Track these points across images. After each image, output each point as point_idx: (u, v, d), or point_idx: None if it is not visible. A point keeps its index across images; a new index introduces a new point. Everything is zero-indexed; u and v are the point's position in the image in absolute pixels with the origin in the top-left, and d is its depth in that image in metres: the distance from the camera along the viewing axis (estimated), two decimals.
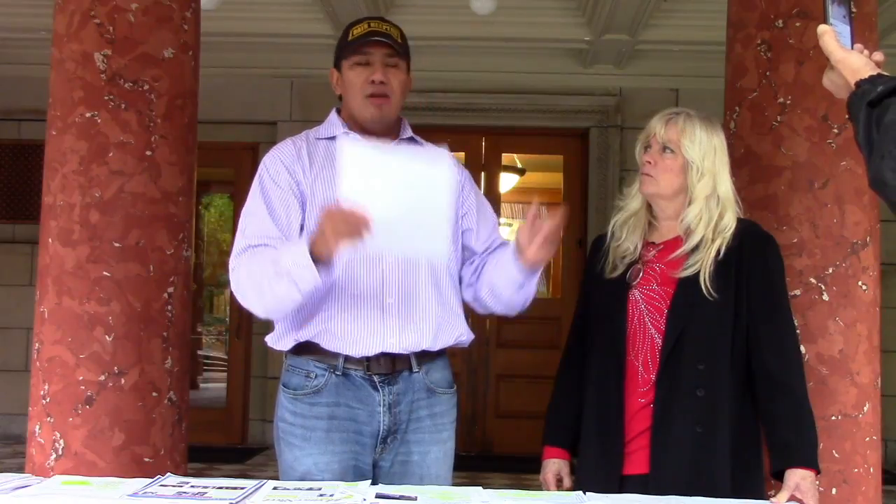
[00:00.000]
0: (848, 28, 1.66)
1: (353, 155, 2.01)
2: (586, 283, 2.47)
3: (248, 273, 2.21)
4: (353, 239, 2.00)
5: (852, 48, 1.63)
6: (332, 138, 2.35)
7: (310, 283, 2.08)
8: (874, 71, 1.58)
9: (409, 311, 2.25)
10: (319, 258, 2.06)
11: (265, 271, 2.15)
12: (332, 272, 2.14)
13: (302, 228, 2.26)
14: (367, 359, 2.25)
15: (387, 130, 2.36)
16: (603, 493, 1.98)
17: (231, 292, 2.31)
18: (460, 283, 2.41)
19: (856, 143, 1.55)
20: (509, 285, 2.28)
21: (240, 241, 2.27)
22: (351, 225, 1.98)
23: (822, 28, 1.64)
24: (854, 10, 3.13)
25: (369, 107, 2.29)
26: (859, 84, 1.56)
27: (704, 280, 2.22)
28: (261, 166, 2.35)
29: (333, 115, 2.41)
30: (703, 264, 2.24)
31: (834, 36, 1.62)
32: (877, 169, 1.47)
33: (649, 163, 2.30)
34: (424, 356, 2.30)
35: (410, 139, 2.41)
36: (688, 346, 2.22)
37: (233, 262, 2.26)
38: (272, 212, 2.26)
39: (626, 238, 2.36)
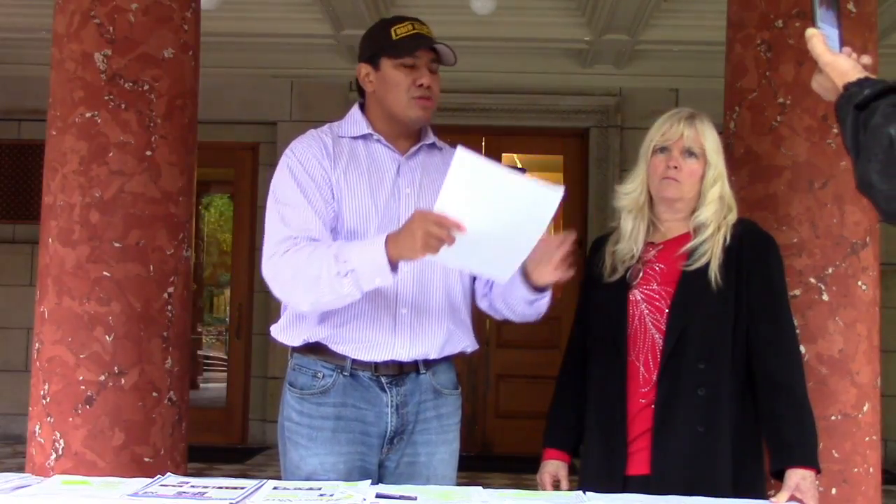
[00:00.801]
0: (836, 31, 1.67)
1: (466, 168, 1.94)
2: (586, 285, 2.46)
3: (296, 268, 2.13)
4: (440, 247, 1.97)
5: (841, 51, 1.64)
6: (357, 138, 2.32)
7: (376, 284, 2.06)
8: (862, 74, 1.58)
9: (420, 323, 2.25)
10: (393, 260, 2.03)
11: (324, 267, 2.07)
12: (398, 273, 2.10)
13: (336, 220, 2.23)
14: (375, 362, 2.25)
15: (416, 134, 2.35)
16: (606, 493, 1.98)
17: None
18: (474, 293, 2.40)
19: (843, 145, 1.56)
20: (520, 301, 2.27)
21: (279, 229, 2.19)
22: (443, 234, 1.95)
23: (810, 32, 1.65)
24: (854, 10, 3.16)
25: (416, 108, 2.27)
26: (847, 87, 1.57)
27: (715, 268, 2.22)
28: (289, 155, 2.28)
29: (357, 113, 2.36)
30: (712, 253, 2.25)
31: (822, 39, 1.63)
32: (863, 171, 1.48)
33: (675, 168, 2.28)
34: (431, 360, 2.30)
35: (432, 145, 2.39)
36: (689, 346, 2.22)
37: (270, 249, 2.18)
38: (312, 203, 2.20)
39: (628, 239, 2.35)
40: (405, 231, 2.01)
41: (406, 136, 2.34)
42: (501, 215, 1.97)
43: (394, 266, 2.03)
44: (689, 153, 2.29)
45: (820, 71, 1.64)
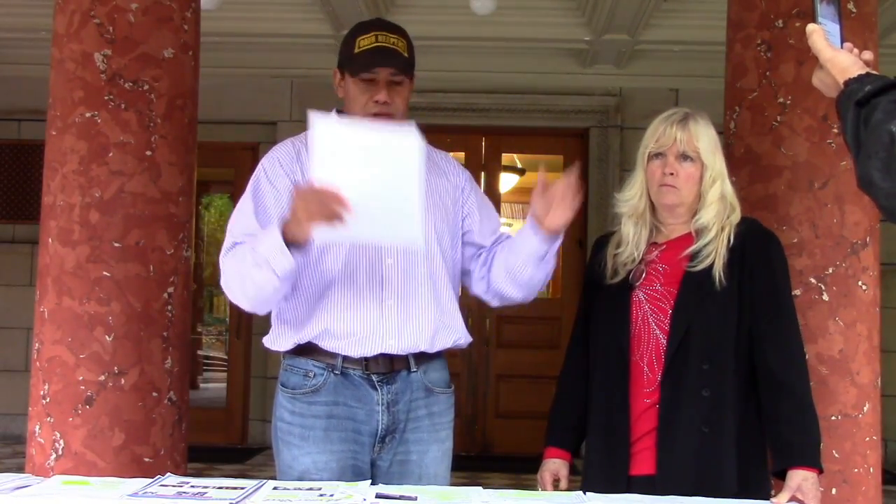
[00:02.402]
0: (837, 27, 1.64)
1: (324, 134, 1.97)
2: (588, 285, 2.46)
3: (231, 269, 2.22)
4: (326, 220, 2.00)
5: (842, 47, 1.62)
6: None
7: (286, 267, 2.09)
8: (863, 70, 1.56)
9: (407, 313, 2.25)
10: (293, 241, 2.07)
11: (245, 262, 2.16)
12: (308, 253, 2.14)
13: None
14: (366, 359, 2.25)
15: None
16: (610, 493, 1.98)
17: None
18: (471, 278, 2.42)
19: (844, 142, 1.55)
20: (530, 261, 2.27)
21: (227, 240, 2.28)
22: (323, 205, 1.99)
23: (810, 27, 1.62)
24: (854, 10, 3.16)
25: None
26: (848, 83, 1.55)
27: (719, 268, 2.22)
28: (258, 167, 2.34)
29: (334, 116, 2.39)
30: (716, 253, 2.24)
31: (823, 35, 1.61)
32: (864, 169, 1.46)
33: (672, 174, 2.27)
34: (422, 357, 2.30)
35: None
36: (692, 346, 2.21)
37: (221, 260, 2.27)
38: (262, 211, 2.26)
39: (630, 244, 2.34)
40: (290, 212, 2.06)
41: None
42: (372, 172, 1.99)
43: (296, 246, 2.07)
44: (685, 157, 2.28)
45: (821, 67, 1.62)
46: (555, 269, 2.30)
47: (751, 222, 2.36)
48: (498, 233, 2.45)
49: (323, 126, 1.98)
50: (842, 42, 1.63)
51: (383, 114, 2.27)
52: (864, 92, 1.50)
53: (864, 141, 1.47)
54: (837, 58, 1.59)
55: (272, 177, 2.29)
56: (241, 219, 2.28)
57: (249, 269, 2.13)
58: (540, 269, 2.29)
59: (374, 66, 2.25)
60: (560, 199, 2.17)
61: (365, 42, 2.27)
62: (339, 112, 2.39)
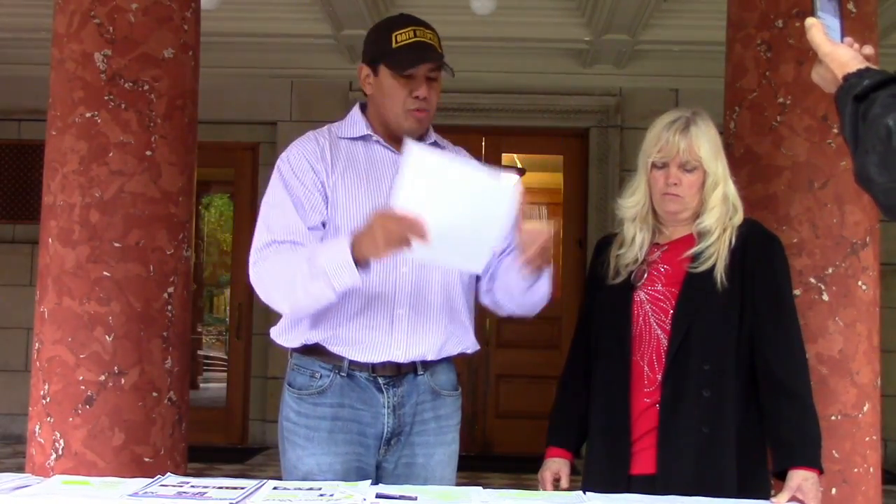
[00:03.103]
0: (837, 22, 1.62)
1: (419, 163, 1.94)
2: (590, 285, 2.46)
3: (274, 271, 2.16)
4: (403, 246, 1.96)
5: (842, 42, 1.59)
6: (356, 139, 2.31)
7: (347, 283, 2.04)
8: (862, 65, 1.53)
9: (417, 324, 2.24)
10: (360, 259, 2.02)
11: (298, 270, 2.10)
12: (370, 273, 2.09)
13: (324, 226, 2.23)
14: (372, 363, 2.24)
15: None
16: (610, 493, 1.98)
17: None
18: (480, 289, 2.39)
19: (843, 138, 1.52)
20: (520, 287, 2.25)
21: (263, 235, 2.22)
22: (404, 231, 1.94)
23: (809, 21, 1.59)
24: (854, 10, 3.16)
25: (410, 120, 2.25)
26: (847, 78, 1.52)
27: (720, 270, 2.22)
28: (282, 160, 2.28)
29: (357, 113, 2.35)
30: (718, 255, 2.25)
31: (822, 29, 1.58)
32: (861, 164, 1.43)
33: (676, 184, 2.27)
34: (429, 361, 2.29)
35: (433, 144, 2.37)
36: (693, 347, 2.22)
37: (254, 255, 2.21)
38: (298, 207, 2.21)
39: (632, 246, 2.34)
40: (366, 231, 2.01)
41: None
42: (462, 208, 1.96)
43: (362, 264, 2.03)
44: (687, 166, 2.28)
45: (820, 62, 1.59)
46: (548, 294, 2.28)
47: (753, 224, 2.36)
48: (508, 240, 2.37)
49: (418, 154, 1.95)
50: (842, 37, 1.60)
51: (422, 110, 2.24)
52: (862, 86, 1.47)
53: (862, 136, 1.44)
54: (837, 52, 1.56)
55: (299, 172, 2.23)
56: (280, 216, 2.21)
57: (303, 279, 2.08)
58: (530, 295, 2.27)
59: (420, 62, 2.22)
60: (537, 247, 2.09)
61: (403, 37, 2.23)
62: (363, 108, 2.36)
